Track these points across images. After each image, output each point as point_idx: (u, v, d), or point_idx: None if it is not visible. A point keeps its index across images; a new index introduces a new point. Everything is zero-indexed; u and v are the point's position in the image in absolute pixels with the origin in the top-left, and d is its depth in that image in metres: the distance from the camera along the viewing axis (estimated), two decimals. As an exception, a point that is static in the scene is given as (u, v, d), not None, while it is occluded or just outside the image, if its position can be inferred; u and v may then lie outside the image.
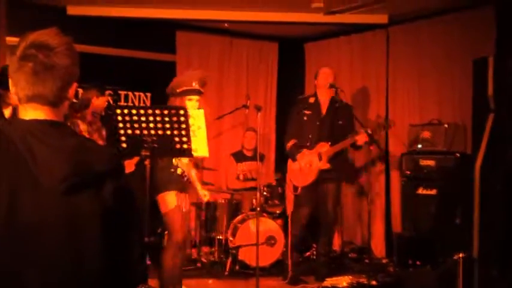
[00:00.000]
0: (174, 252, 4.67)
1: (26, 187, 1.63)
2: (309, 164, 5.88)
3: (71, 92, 1.76)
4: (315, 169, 5.87)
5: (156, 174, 4.63)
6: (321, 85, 6.03)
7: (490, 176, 4.95)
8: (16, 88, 1.71)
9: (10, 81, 1.73)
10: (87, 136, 5.57)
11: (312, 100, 6.08)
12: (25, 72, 1.67)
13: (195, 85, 4.65)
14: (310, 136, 5.95)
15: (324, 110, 6.02)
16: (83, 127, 5.60)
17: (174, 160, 4.63)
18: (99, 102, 5.89)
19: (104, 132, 5.94)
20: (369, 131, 5.85)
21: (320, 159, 5.85)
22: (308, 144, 5.94)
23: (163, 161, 4.71)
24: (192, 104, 4.62)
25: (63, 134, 1.70)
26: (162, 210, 4.68)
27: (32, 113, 1.71)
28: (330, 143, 5.88)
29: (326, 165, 5.87)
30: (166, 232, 4.80)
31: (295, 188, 6.10)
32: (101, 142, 5.58)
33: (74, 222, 1.65)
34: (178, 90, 4.66)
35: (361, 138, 5.84)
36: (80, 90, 6.03)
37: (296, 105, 6.19)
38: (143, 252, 1.88)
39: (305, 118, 6.00)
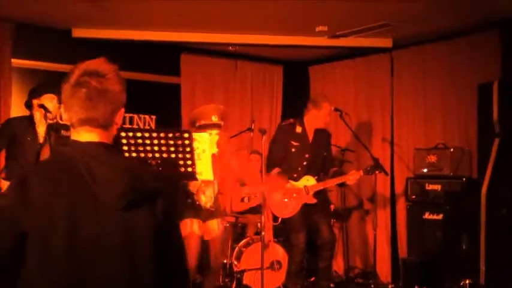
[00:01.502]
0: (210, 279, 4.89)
1: (86, 203, 1.74)
2: (294, 197, 5.78)
3: (119, 116, 1.89)
4: (300, 203, 5.78)
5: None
6: (322, 120, 5.88)
7: (495, 201, 4.92)
8: (69, 113, 1.83)
9: (63, 106, 1.86)
10: None
11: (299, 130, 5.89)
12: (79, 98, 1.80)
13: (215, 119, 4.67)
14: (299, 168, 5.83)
15: (310, 140, 5.90)
16: None
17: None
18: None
19: None
20: (367, 169, 5.77)
21: (307, 193, 5.78)
22: (295, 175, 5.83)
23: (185, 192, 4.77)
24: (212, 138, 4.60)
25: (116, 155, 1.85)
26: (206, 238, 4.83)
27: (86, 135, 1.83)
28: (316, 178, 5.82)
29: (313, 200, 5.78)
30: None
31: (275, 218, 6.07)
32: None
33: (130, 237, 1.77)
34: (197, 124, 4.69)
35: (351, 179, 5.73)
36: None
37: (282, 133, 5.97)
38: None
39: (293, 150, 5.84)
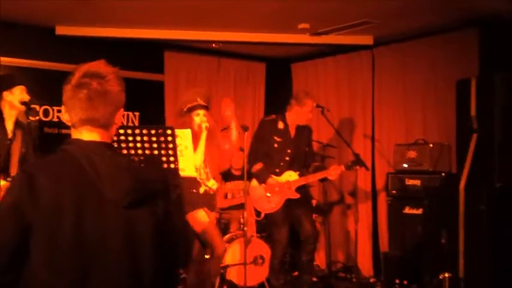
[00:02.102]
0: (216, 266, 4.94)
1: (91, 200, 1.79)
2: (276, 192, 5.82)
3: (118, 116, 1.96)
4: (283, 198, 5.83)
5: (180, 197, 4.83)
6: (304, 117, 5.91)
7: (474, 196, 5.01)
8: (70, 113, 1.90)
9: (63, 107, 1.92)
10: None
11: (281, 126, 5.93)
12: (80, 99, 1.86)
13: (200, 100, 4.88)
14: (281, 164, 5.88)
15: (292, 136, 5.96)
16: None
17: (197, 178, 4.79)
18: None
19: None
20: (348, 164, 5.83)
21: (289, 188, 5.83)
22: (278, 171, 5.87)
23: (185, 183, 4.80)
24: (200, 119, 4.85)
25: (117, 155, 1.92)
26: (197, 229, 4.86)
27: (87, 134, 1.90)
28: (299, 173, 5.88)
29: (295, 195, 5.82)
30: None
31: (258, 213, 6.12)
32: None
33: (132, 234, 1.82)
34: (185, 109, 4.88)
35: (333, 174, 5.79)
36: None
37: (264, 128, 6.01)
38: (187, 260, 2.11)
39: (276, 145, 5.88)
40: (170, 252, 1.96)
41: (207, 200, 4.84)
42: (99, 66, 1.93)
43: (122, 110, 1.98)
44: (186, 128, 4.73)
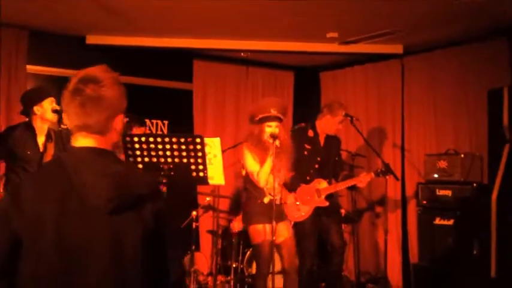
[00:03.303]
0: (263, 283, 4.87)
1: (75, 208, 1.79)
2: (307, 200, 5.77)
3: (117, 122, 1.94)
4: (312, 206, 5.75)
5: (246, 205, 4.97)
6: (334, 127, 5.88)
7: (506, 207, 4.92)
8: (68, 119, 1.91)
9: (63, 113, 1.93)
10: None
11: (311, 134, 5.90)
12: (74, 105, 1.87)
13: (273, 111, 4.74)
14: (311, 171, 5.83)
15: (322, 144, 5.92)
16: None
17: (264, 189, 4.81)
18: (139, 132, 5.83)
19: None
20: (378, 171, 5.77)
21: (318, 196, 5.80)
22: (308, 178, 5.81)
23: (251, 192, 4.88)
24: (271, 130, 4.73)
25: (108, 161, 1.88)
26: (251, 241, 4.95)
27: (82, 141, 1.90)
28: (328, 181, 5.83)
29: (325, 203, 5.74)
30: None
31: None
32: None
33: (118, 240, 1.80)
34: (256, 119, 4.78)
35: (363, 181, 5.72)
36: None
37: (295, 136, 5.86)
38: (184, 272, 2.05)
39: (306, 153, 5.83)
40: (161, 260, 1.93)
41: (275, 211, 4.74)
42: (96, 71, 1.92)
43: (121, 115, 1.95)
44: (255, 137, 4.75)
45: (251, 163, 4.93)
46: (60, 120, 4.78)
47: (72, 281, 1.76)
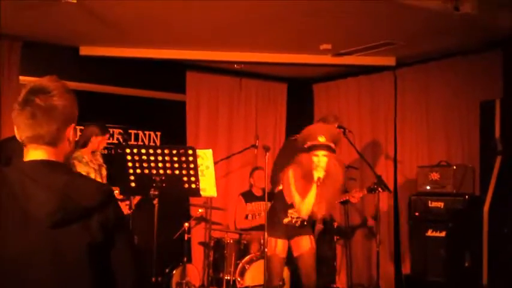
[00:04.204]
0: None
1: (17, 222, 1.76)
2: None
3: (69, 132, 1.90)
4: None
5: (268, 216, 4.86)
6: None
7: (498, 219, 4.94)
8: (18, 131, 1.86)
9: (14, 126, 1.88)
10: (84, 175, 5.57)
11: None
12: (25, 116, 1.82)
13: (322, 140, 4.45)
14: None
15: None
16: (79, 167, 5.52)
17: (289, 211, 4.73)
18: (99, 141, 5.77)
19: (104, 171, 5.87)
20: (370, 187, 5.76)
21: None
22: None
23: (276, 209, 4.86)
24: (318, 160, 4.45)
25: (55, 172, 1.82)
26: (295, 254, 4.90)
27: (32, 153, 1.86)
28: None
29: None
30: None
31: None
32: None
33: (61, 255, 1.76)
34: (305, 146, 4.54)
35: (355, 197, 5.76)
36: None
37: (289, 147, 5.83)
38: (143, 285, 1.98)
39: None
40: (119, 273, 1.88)
41: (285, 231, 4.74)
42: (44, 81, 1.89)
43: (73, 125, 1.91)
44: (303, 166, 4.52)
45: (294, 192, 4.70)
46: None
47: None
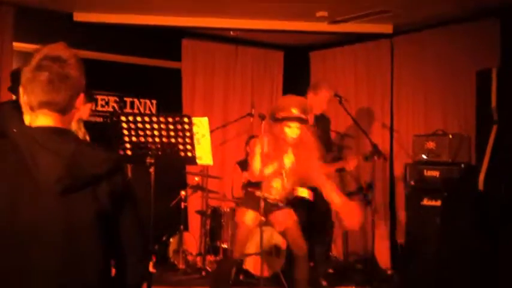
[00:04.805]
0: (303, 268, 4.79)
1: (27, 188, 1.77)
2: None
3: (78, 101, 1.92)
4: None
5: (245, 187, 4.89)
6: (319, 106, 5.82)
7: (493, 187, 4.95)
8: (29, 96, 1.87)
9: (21, 89, 1.89)
10: None
11: None
12: (41, 81, 1.83)
13: (295, 112, 4.46)
14: None
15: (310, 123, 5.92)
16: None
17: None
18: (85, 108, 5.73)
19: (87, 139, 5.81)
20: (366, 155, 5.75)
21: None
22: None
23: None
24: (291, 131, 4.48)
25: (64, 140, 1.84)
26: (279, 229, 4.88)
27: (41, 119, 1.87)
28: None
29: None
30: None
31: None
32: None
33: (71, 221, 1.79)
34: (277, 117, 4.52)
35: (350, 165, 5.74)
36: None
37: None
38: (147, 254, 2.01)
39: None
40: (125, 244, 1.92)
41: (265, 205, 4.65)
42: (59, 49, 1.89)
43: (83, 95, 1.94)
44: (275, 135, 4.53)
45: (257, 159, 4.66)
46: None
47: (24, 257, 1.76)
